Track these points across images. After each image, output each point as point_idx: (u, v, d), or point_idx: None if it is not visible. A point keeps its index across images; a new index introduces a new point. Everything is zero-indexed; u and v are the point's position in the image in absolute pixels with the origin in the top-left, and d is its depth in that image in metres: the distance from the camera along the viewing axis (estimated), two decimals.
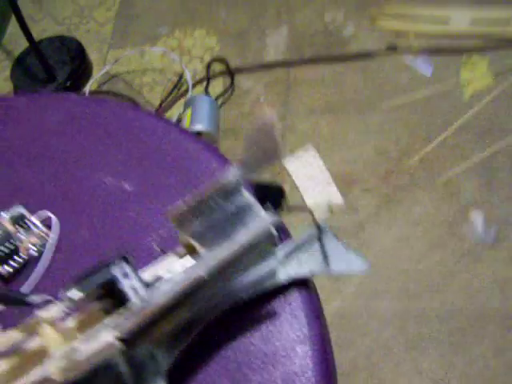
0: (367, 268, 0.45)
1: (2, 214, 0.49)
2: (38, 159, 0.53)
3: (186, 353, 0.39)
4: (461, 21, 1.61)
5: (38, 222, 0.49)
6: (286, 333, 0.43)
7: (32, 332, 0.38)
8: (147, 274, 0.39)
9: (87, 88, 1.57)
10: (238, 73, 1.58)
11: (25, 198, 0.50)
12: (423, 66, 1.54)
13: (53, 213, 0.49)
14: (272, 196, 0.42)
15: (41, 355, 0.39)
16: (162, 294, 0.35)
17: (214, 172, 0.51)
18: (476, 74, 1.52)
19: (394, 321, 1.22)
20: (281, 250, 0.43)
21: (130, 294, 0.36)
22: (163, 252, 0.43)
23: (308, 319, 0.44)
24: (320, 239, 0.45)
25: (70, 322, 0.39)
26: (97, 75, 1.59)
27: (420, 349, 1.18)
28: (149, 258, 0.44)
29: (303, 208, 0.43)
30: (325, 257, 0.45)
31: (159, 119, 0.54)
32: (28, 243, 0.47)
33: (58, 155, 0.53)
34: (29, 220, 0.48)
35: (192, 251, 0.40)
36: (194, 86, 1.55)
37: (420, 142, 1.42)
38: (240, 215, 0.40)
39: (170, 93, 1.55)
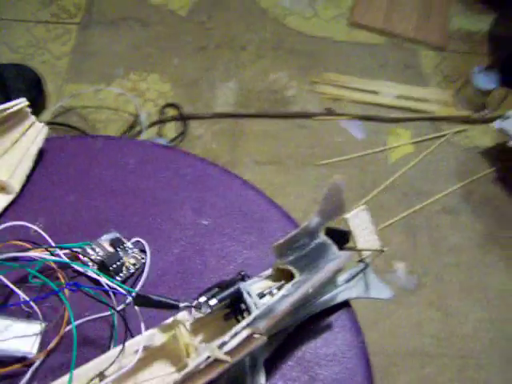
0: (392, 296, 0.59)
1: (102, 237, 0.58)
2: (125, 194, 0.63)
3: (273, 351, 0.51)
4: (388, 94, 1.84)
5: (131, 246, 0.58)
6: (341, 340, 0.55)
7: (169, 331, 0.48)
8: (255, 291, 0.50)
9: (44, 119, 1.62)
10: (190, 119, 1.70)
11: (117, 226, 0.60)
12: (356, 130, 1.74)
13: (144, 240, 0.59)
14: (339, 238, 0.55)
15: (161, 352, 0.50)
16: (282, 305, 0.47)
17: (266, 214, 0.64)
18: (400, 142, 1.74)
19: None
20: (341, 279, 0.56)
21: (252, 305, 0.48)
22: (247, 276, 0.53)
23: (354, 329, 0.57)
24: (364, 272, 0.58)
25: (197, 323, 0.49)
26: (53, 107, 1.65)
27: None
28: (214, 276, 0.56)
29: (355, 249, 0.57)
30: (366, 285, 0.58)
31: (224, 170, 0.66)
32: (128, 263, 0.57)
33: (140, 192, 0.63)
34: (124, 244, 0.58)
35: (284, 275, 0.52)
36: (148, 127, 1.65)
37: (352, 198, 1.60)
38: (320, 251, 0.53)
39: (125, 132, 1.63)
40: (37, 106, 1.66)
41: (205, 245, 0.60)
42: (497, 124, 1.65)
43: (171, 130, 1.68)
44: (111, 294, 0.52)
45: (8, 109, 0.64)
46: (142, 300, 0.46)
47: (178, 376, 0.42)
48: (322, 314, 0.56)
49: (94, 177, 0.64)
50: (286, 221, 0.63)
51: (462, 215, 1.62)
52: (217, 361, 0.42)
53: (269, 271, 0.54)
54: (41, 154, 0.66)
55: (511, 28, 1.89)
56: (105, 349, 0.52)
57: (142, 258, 0.58)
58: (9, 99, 1.56)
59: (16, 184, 0.62)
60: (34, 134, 0.65)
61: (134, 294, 0.46)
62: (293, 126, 1.74)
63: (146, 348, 0.49)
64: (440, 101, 1.86)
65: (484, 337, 1.42)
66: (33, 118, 0.67)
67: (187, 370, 0.42)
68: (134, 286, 0.56)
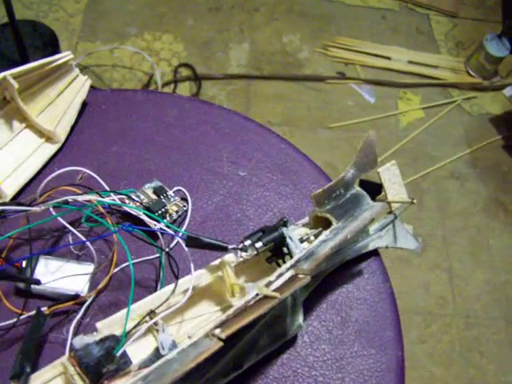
0: (419, 247, 0.63)
1: (146, 186, 0.61)
2: (165, 146, 0.66)
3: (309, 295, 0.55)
4: (399, 59, 1.86)
5: (173, 194, 0.62)
6: (371, 285, 0.59)
7: (216, 271, 0.52)
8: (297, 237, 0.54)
9: None
10: (204, 79, 1.72)
11: (159, 175, 0.63)
12: (367, 94, 1.76)
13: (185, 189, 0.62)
14: (372, 190, 0.59)
15: (207, 292, 0.53)
16: (323, 249, 0.50)
17: (300, 168, 0.67)
18: (410, 107, 1.76)
19: None
20: (373, 228, 0.60)
21: (293, 248, 0.51)
22: (284, 222, 0.57)
23: (383, 276, 0.60)
24: (393, 223, 0.62)
25: (240, 265, 0.53)
26: None
27: None
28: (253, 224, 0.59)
29: (391, 201, 0.60)
30: (394, 235, 0.62)
31: (259, 124, 0.69)
32: (171, 209, 0.60)
33: (179, 144, 0.66)
34: (167, 192, 0.61)
35: (321, 223, 0.55)
36: (162, 86, 1.67)
37: None
38: (356, 201, 0.56)
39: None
40: None
41: (242, 195, 0.63)
42: (508, 91, 1.67)
43: (185, 89, 1.70)
44: (160, 235, 0.55)
45: (53, 61, 0.66)
46: (193, 241, 0.49)
47: (228, 312, 0.45)
48: (354, 261, 0.59)
49: (135, 129, 0.67)
50: (318, 174, 0.66)
51: (469, 180, 1.66)
52: (265, 297, 0.46)
53: (305, 219, 0.57)
54: (84, 106, 0.68)
55: None
56: (152, 290, 0.56)
57: (184, 206, 0.61)
58: (25, 56, 1.58)
59: (61, 134, 0.65)
60: (77, 87, 0.68)
61: (185, 236, 0.49)
62: (305, 88, 1.76)
63: (193, 288, 0.53)
64: (451, 67, 1.88)
65: (487, 298, 1.47)
66: (77, 70, 0.69)
67: (237, 305, 0.45)
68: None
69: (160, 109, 0.69)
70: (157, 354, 0.48)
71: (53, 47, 1.67)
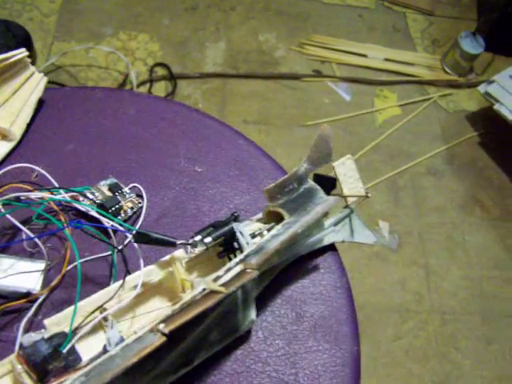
0: (375, 240, 0.63)
1: (101, 183, 0.61)
2: (122, 143, 0.65)
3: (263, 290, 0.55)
4: (376, 57, 1.86)
5: (129, 191, 0.61)
6: (327, 280, 0.59)
7: (166, 267, 0.52)
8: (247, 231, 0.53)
9: None
10: (179, 79, 1.71)
11: (115, 172, 0.62)
12: (343, 92, 1.77)
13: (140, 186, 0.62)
14: (327, 184, 0.59)
15: (159, 288, 0.53)
16: (273, 243, 0.50)
17: (257, 163, 0.66)
18: (387, 104, 1.76)
19: None
20: (327, 223, 0.59)
21: (243, 242, 0.51)
22: (235, 217, 0.57)
23: (339, 271, 0.60)
24: (349, 217, 0.62)
25: (192, 261, 0.52)
26: (43, 65, 1.65)
27: None
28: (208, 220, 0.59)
29: (344, 195, 0.60)
30: (351, 230, 0.62)
31: (217, 121, 0.69)
32: (126, 206, 0.60)
33: (137, 141, 0.65)
34: (122, 189, 0.61)
35: (274, 218, 0.55)
36: (137, 86, 1.66)
37: (338, 157, 1.62)
38: (309, 195, 0.56)
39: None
40: None
41: (199, 191, 0.62)
42: (482, 88, 1.68)
43: (160, 89, 1.69)
44: (111, 233, 0.54)
45: (8, 58, 0.65)
46: (141, 237, 0.49)
47: (175, 307, 0.45)
48: (310, 256, 0.59)
49: (93, 126, 0.66)
50: (276, 170, 0.66)
51: (446, 177, 1.66)
52: (212, 292, 0.45)
53: (260, 215, 0.57)
54: (41, 104, 0.68)
55: None
56: (105, 286, 0.55)
57: (139, 203, 0.61)
58: None
59: (17, 131, 0.64)
60: (33, 84, 0.67)
61: (134, 232, 0.48)
62: (281, 86, 1.76)
63: (144, 284, 0.52)
64: (427, 65, 1.88)
65: (463, 294, 1.48)
66: (32, 68, 0.69)
67: (184, 300, 0.45)
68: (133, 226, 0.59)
69: (118, 106, 0.68)
70: (104, 351, 0.48)
71: (26, 47, 1.65)
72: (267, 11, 1.93)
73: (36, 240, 0.52)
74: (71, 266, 0.56)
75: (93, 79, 1.68)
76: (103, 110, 0.68)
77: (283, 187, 0.55)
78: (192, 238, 0.51)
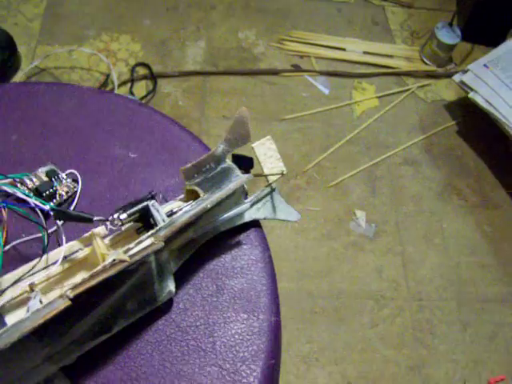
0: (299, 218, 0.66)
1: (39, 169, 0.64)
2: (63, 133, 0.69)
3: (185, 264, 0.58)
4: (355, 50, 1.89)
5: (65, 177, 0.65)
6: (248, 255, 0.62)
7: (87, 243, 0.55)
8: (164, 209, 0.57)
9: (17, 79, 1.67)
10: (160, 77, 1.75)
11: (55, 160, 0.66)
12: (322, 85, 1.79)
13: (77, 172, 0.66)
14: (245, 164, 0.62)
15: (84, 263, 0.56)
16: (183, 217, 0.53)
17: (187, 147, 0.70)
18: (365, 97, 1.79)
19: (290, 298, 1.43)
20: (247, 200, 0.63)
21: (158, 218, 0.54)
22: (165, 200, 0.60)
23: (261, 247, 0.63)
24: (271, 195, 0.65)
25: (112, 237, 0.56)
26: (27, 68, 1.70)
27: (310, 322, 1.40)
28: None
29: (261, 174, 0.64)
30: (273, 207, 0.65)
31: (150, 108, 0.73)
32: (61, 190, 0.63)
33: (78, 131, 0.69)
34: (59, 175, 0.64)
35: (194, 196, 0.58)
36: (119, 86, 1.70)
37: (317, 150, 1.66)
38: (225, 174, 0.59)
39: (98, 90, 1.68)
40: (10, 67, 1.70)
41: (131, 175, 0.66)
42: (457, 77, 1.70)
43: (142, 88, 1.73)
44: (40, 214, 0.58)
45: None
46: (59, 214, 0.53)
47: (85, 276, 0.48)
48: (233, 232, 0.62)
49: (35, 118, 0.70)
50: (206, 152, 0.69)
51: (423, 166, 1.69)
52: (120, 262, 0.49)
53: (182, 195, 0.61)
54: None
55: None
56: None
57: (75, 187, 0.65)
58: None
59: None
60: None
61: (53, 210, 0.52)
62: (260, 82, 1.79)
63: (70, 260, 0.56)
64: (406, 56, 1.91)
65: (440, 281, 1.50)
66: None
67: (95, 269, 0.49)
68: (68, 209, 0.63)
69: (60, 100, 0.72)
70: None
71: (10, 51, 1.71)
72: (247, 8, 1.96)
73: None
74: (9, 246, 0.60)
75: (75, 80, 1.72)
76: (46, 104, 0.72)
77: (200, 167, 0.58)
78: (111, 215, 0.54)
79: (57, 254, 0.55)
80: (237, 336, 0.57)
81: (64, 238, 0.53)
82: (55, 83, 0.78)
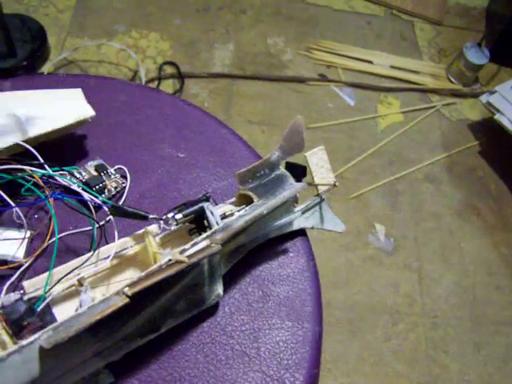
0: (344, 229, 0.66)
1: (88, 163, 0.65)
2: (111, 128, 0.69)
3: (232, 269, 0.58)
4: (382, 64, 1.89)
5: (114, 172, 0.65)
6: (294, 263, 0.62)
7: (139, 240, 0.55)
8: (218, 211, 0.57)
9: (45, 70, 1.68)
10: (187, 77, 1.75)
11: (103, 155, 0.66)
12: (348, 97, 1.80)
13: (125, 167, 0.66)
14: (298, 172, 0.62)
15: (133, 261, 0.56)
16: (238, 222, 0.53)
17: (236, 151, 0.70)
18: (390, 111, 1.79)
19: None
20: (297, 209, 0.63)
21: (213, 221, 0.54)
22: (214, 202, 0.60)
23: (307, 256, 0.63)
24: (320, 205, 0.65)
25: (162, 236, 0.56)
26: (55, 59, 1.70)
27: (325, 332, 1.40)
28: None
29: (314, 184, 0.64)
30: (321, 217, 0.65)
31: (200, 109, 0.73)
32: (110, 185, 0.64)
33: (127, 127, 0.69)
34: (108, 170, 0.65)
35: (246, 201, 0.58)
36: (146, 83, 1.71)
37: (339, 161, 1.66)
38: (278, 181, 0.59)
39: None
40: (39, 57, 1.71)
41: (180, 175, 0.66)
42: (484, 98, 1.70)
43: (168, 87, 1.73)
44: (91, 207, 0.58)
45: None
46: (116, 210, 0.53)
47: (141, 274, 0.48)
48: (280, 240, 0.62)
49: None
50: (254, 158, 0.69)
51: (444, 184, 1.69)
52: (176, 262, 0.49)
53: (233, 199, 0.61)
54: None
55: (507, 5, 1.93)
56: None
57: (123, 183, 0.65)
58: (13, 49, 1.62)
59: None
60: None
61: (109, 205, 0.52)
62: (286, 89, 1.79)
63: (120, 256, 0.56)
64: (432, 73, 1.91)
65: (455, 299, 1.50)
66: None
67: (150, 268, 0.49)
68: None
69: (110, 94, 0.72)
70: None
71: (40, 41, 1.71)
72: (277, 15, 1.97)
73: (17, 209, 0.56)
74: (56, 239, 0.60)
75: (103, 75, 1.73)
76: (95, 97, 0.72)
77: (255, 172, 0.58)
78: (165, 214, 0.54)
79: (108, 249, 0.55)
80: (281, 343, 0.57)
81: (116, 233, 0.53)
82: (105, 77, 0.78)
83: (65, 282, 0.54)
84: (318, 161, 0.64)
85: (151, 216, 0.53)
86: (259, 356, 0.56)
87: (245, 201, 0.59)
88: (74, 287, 0.54)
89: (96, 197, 0.57)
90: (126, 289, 0.46)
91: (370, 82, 1.85)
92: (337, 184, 0.64)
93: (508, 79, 1.74)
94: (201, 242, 0.52)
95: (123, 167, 0.66)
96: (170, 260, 0.49)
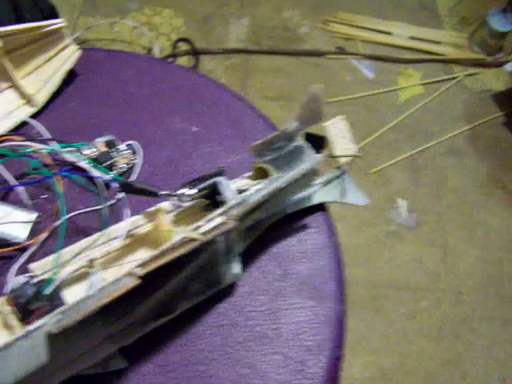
0: (368, 202, 0.63)
1: (98, 139, 0.62)
2: (121, 103, 0.66)
3: (249, 246, 0.55)
4: (401, 35, 1.84)
5: (125, 148, 0.62)
6: (315, 239, 0.59)
7: (151, 218, 0.52)
8: (233, 186, 0.54)
9: None
10: (202, 54, 1.72)
11: (112, 130, 0.63)
12: (367, 69, 1.75)
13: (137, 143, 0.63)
14: (317, 143, 0.59)
15: (145, 240, 0.54)
16: (255, 196, 0.50)
17: (251, 123, 0.67)
18: (410, 83, 1.74)
19: None
20: (316, 182, 0.59)
21: (229, 196, 0.51)
22: (220, 171, 0.57)
23: (329, 231, 0.60)
24: (341, 178, 0.62)
25: (176, 213, 0.53)
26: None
27: (348, 310, 1.37)
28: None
29: (335, 156, 0.60)
30: (342, 190, 0.61)
31: (214, 82, 0.70)
32: (120, 162, 0.61)
33: (137, 101, 0.67)
34: (118, 146, 0.62)
35: (263, 174, 0.55)
36: None
37: (359, 135, 1.62)
38: (296, 153, 0.56)
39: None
40: None
41: (193, 149, 0.63)
42: (508, 66, 1.64)
43: (184, 63, 1.70)
44: (102, 185, 0.56)
45: (44, 27, 0.66)
46: (126, 186, 0.50)
47: (153, 253, 0.46)
48: (299, 215, 0.59)
49: (93, 86, 0.68)
50: (270, 129, 0.66)
51: (467, 157, 1.64)
52: (191, 240, 0.46)
53: (250, 173, 0.58)
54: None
55: None
56: None
57: (134, 159, 0.62)
58: None
59: (41, 99, 0.66)
60: (67, 55, 0.68)
61: (119, 181, 0.49)
62: (304, 63, 1.75)
63: (132, 235, 0.53)
64: (454, 43, 1.85)
65: (480, 275, 1.46)
66: (69, 39, 0.70)
67: (163, 247, 0.46)
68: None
69: (119, 67, 0.69)
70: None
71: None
72: None
73: (20, 188, 0.54)
74: (64, 219, 0.57)
75: None
76: (103, 71, 0.69)
77: (271, 144, 0.55)
78: (178, 190, 0.51)
79: (119, 228, 0.53)
80: (303, 324, 0.54)
81: (127, 211, 0.51)
82: (114, 50, 0.75)
83: (74, 263, 0.51)
84: (338, 131, 0.61)
85: (163, 192, 0.50)
86: (280, 337, 0.53)
87: (262, 174, 0.56)
88: (84, 269, 0.52)
89: (106, 173, 0.55)
90: (138, 269, 0.44)
91: (389, 54, 1.80)
92: (360, 154, 0.60)
93: None
94: (216, 218, 0.49)
95: (134, 142, 0.63)
96: (183, 238, 0.46)
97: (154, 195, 0.51)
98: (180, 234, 0.47)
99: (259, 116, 0.67)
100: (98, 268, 0.51)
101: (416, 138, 1.64)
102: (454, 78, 1.77)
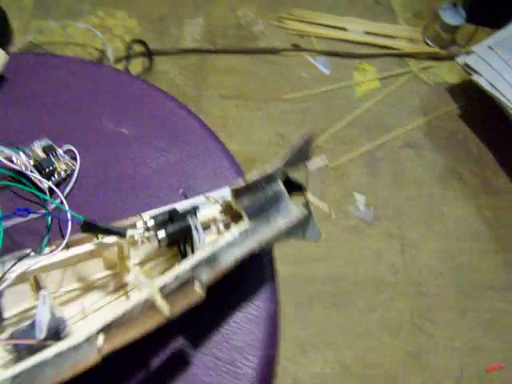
0: (318, 239, 0.61)
1: (34, 143, 0.60)
2: (54, 106, 0.65)
3: None
4: (356, 31, 1.84)
5: (63, 153, 0.61)
6: None
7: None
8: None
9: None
10: (157, 55, 1.70)
11: (49, 134, 0.62)
12: (322, 66, 1.75)
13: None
14: (295, 189, 0.58)
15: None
16: (227, 257, 0.48)
17: (182, 126, 0.66)
18: (366, 78, 1.75)
19: (286, 283, 1.40)
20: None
21: (197, 242, 0.49)
22: (185, 196, 0.55)
23: None
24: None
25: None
26: (19, 42, 1.65)
27: (307, 306, 1.38)
28: (144, 187, 0.59)
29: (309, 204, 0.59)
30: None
31: (147, 83, 0.69)
32: (60, 168, 0.60)
33: (69, 104, 0.65)
34: (56, 151, 0.60)
35: (234, 213, 0.53)
36: (115, 63, 1.66)
37: (316, 131, 1.62)
38: (274, 200, 0.54)
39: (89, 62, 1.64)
40: (2, 42, 1.66)
41: (125, 152, 0.62)
42: (460, 59, 1.66)
43: (138, 65, 1.69)
44: (46, 192, 0.54)
45: None
46: (89, 226, 0.48)
47: (116, 312, 0.42)
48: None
49: (25, 91, 0.66)
50: (201, 128, 0.65)
51: (425, 150, 1.65)
52: (155, 310, 0.43)
53: (216, 192, 0.55)
54: None
55: None
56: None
57: (73, 165, 0.61)
58: None
59: None
60: None
61: (81, 221, 0.47)
62: (259, 61, 1.75)
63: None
64: (408, 37, 1.87)
65: (439, 267, 1.47)
66: None
67: (126, 307, 0.42)
68: (64, 190, 0.59)
69: (49, 71, 0.68)
70: (32, 328, 0.46)
71: (1, 25, 1.66)
72: None
73: None
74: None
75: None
76: (33, 75, 0.68)
77: (252, 187, 0.53)
78: (145, 222, 0.49)
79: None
80: (233, 324, 0.53)
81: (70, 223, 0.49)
82: (44, 53, 0.74)
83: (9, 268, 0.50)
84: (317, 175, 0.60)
85: (129, 232, 0.49)
86: (209, 339, 0.52)
87: (230, 211, 0.54)
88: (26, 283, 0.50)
89: (62, 208, 0.53)
90: (100, 341, 0.40)
91: (344, 50, 1.80)
92: (332, 216, 0.59)
93: (485, 39, 1.69)
94: (183, 276, 0.46)
95: (72, 148, 0.62)
96: (146, 300, 0.43)
97: (121, 235, 0.49)
98: (144, 287, 0.44)
99: (192, 116, 0.67)
100: (47, 296, 0.48)
101: (373, 132, 1.65)
102: (409, 72, 1.79)
